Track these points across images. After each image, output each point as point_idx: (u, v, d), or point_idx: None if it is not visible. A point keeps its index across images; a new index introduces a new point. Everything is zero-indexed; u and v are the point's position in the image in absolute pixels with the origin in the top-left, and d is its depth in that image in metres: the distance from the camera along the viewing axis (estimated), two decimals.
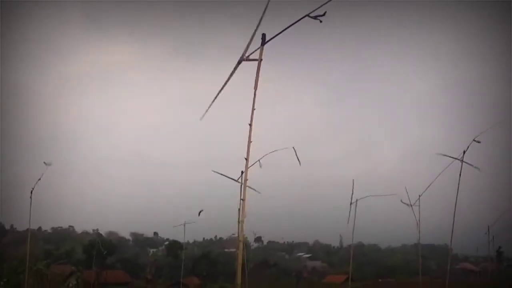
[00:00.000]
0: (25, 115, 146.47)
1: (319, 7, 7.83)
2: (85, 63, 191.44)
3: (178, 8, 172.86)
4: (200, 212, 33.97)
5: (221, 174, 9.75)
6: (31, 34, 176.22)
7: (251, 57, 8.42)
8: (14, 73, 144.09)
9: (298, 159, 10.43)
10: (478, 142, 14.73)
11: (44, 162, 20.11)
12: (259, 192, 11.68)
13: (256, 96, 8.32)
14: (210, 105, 8.45)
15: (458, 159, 14.96)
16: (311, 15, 7.92)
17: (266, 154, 9.87)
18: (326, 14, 7.87)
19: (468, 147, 14.88)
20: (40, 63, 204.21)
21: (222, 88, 8.59)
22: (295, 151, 10.43)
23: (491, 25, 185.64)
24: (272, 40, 8.40)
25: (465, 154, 15.14)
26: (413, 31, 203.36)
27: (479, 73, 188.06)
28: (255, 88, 8.30)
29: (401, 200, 24.29)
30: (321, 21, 7.91)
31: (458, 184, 15.44)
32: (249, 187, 8.37)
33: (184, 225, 42.04)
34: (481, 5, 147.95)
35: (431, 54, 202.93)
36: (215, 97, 8.65)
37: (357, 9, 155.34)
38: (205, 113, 8.62)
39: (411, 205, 23.75)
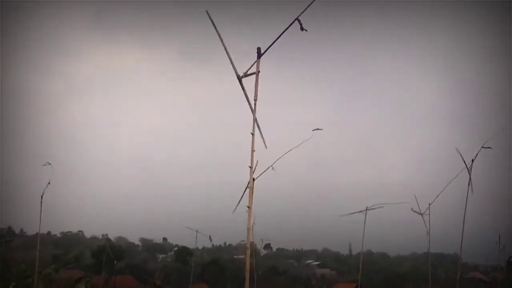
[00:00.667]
0: (25, 115, 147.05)
1: (308, 7, 7.94)
2: (86, 64, 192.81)
3: (181, 9, 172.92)
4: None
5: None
6: (31, 34, 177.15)
7: (249, 71, 8.57)
8: (14, 73, 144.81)
9: (319, 128, 10.51)
10: (489, 147, 14.59)
11: (48, 163, 20.04)
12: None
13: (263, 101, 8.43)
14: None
15: (467, 168, 14.85)
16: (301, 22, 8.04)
17: (279, 158, 9.89)
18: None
19: (476, 155, 14.76)
20: (40, 63, 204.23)
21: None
22: (314, 129, 10.52)
23: (491, 25, 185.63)
24: (274, 42, 8.49)
25: (473, 162, 15.03)
26: (413, 31, 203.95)
27: (479, 73, 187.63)
28: (255, 99, 8.42)
29: (411, 209, 24.05)
30: (306, 30, 8.05)
31: (467, 193, 15.31)
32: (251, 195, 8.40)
33: (197, 232, 42.10)
34: (481, 5, 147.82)
35: (431, 54, 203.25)
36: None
37: (357, 9, 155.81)
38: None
39: (422, 214, 23.55)
